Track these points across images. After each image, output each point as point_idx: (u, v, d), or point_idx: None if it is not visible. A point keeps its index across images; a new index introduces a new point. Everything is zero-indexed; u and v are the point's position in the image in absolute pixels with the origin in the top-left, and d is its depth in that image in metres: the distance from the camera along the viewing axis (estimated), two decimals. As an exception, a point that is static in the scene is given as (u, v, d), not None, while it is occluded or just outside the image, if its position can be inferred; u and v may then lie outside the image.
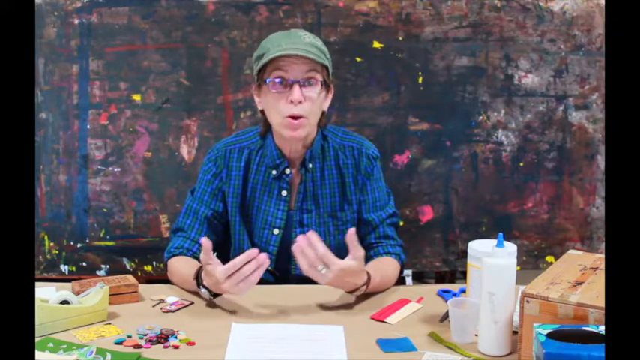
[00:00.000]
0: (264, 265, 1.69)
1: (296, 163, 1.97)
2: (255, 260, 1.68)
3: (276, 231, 1.97)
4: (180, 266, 1.91)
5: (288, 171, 1.95)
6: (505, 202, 2.40)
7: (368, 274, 1.79)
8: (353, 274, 1.74)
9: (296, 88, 1.82)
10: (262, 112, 1.93)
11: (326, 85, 1.89)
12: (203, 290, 1.76)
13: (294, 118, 1.84)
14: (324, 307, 1.78)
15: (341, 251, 1.74)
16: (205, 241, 1.70)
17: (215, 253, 2.08)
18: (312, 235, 1.71)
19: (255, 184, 1.97)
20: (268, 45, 1.86)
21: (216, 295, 1.77)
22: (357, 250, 1.73)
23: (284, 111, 1.84)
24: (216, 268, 1.69)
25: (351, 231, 1.73)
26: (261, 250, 1.94)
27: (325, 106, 1.92)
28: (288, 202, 1.97)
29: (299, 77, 1.83)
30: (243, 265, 1.68)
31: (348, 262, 1.72)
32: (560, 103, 2.37)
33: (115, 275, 1.86)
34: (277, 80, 1.84)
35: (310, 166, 1.96)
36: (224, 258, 1.78)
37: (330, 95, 1.94)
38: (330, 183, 1.98)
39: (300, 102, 1.82)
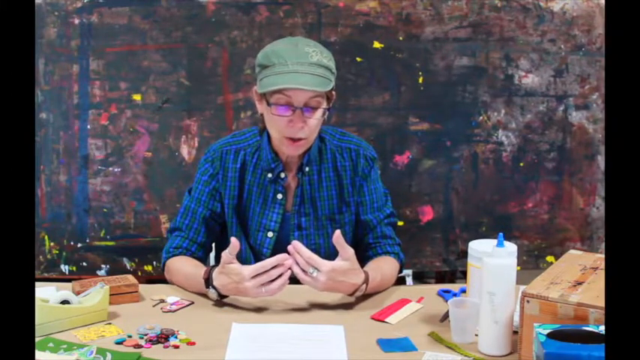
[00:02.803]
0: (289, 272, 1.71)
1: (293, 167, 1.96)
2: (282, 266, 1.70)
3: (270, 234, 1.96)
4: (182, 266, 1.91)
5: (283, 174, 1.95)
6: (505, 202, 2.40)
7: (367, 273, 1.79)
8: (345, 273, 1.74)
9: (299, 115, 1.80)
10: (262, 114, 1.92)
11: (329, 101, 1.87)
12: (211, 291, 1.77)
13: (294, 139, 1.84)
14: (324, 307, 1.78)
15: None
16: (235, 241, 1.72)
17: (212, 253, 2.10)
18: (297, 243, 1.73)
19: (251, 186, 1.97)
20: (273, 58, 1.81)
21: (223, 296, 1.77)
22: (345, 251, 1.74)
23: (285, 132, 1.83)
24: (243, 266, 1.71)
25: (337, 233, 1.74)
26: (256, 252, 1.95)
27: (325, 116, 1.91)
28: (284, 205, 1.96)
29: (302, 103, 1.80)
30: (271, 267, 1.70)
31: (338, 262, 1.73)
32: (560, 103, 2.37)
33: (115, 275, 1.87)
34: (280, 105, 1.81)
35: (307, 169, 1.95)
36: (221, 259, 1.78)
37: (332, 102, 1.91)
38: (328, 186, 1.97)
39: (301, 128, 1.82)
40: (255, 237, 1.97)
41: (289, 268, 1.71)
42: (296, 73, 1.78)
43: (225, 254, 1.73)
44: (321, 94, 1.82)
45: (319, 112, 1.84)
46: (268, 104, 1.83)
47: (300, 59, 1.79)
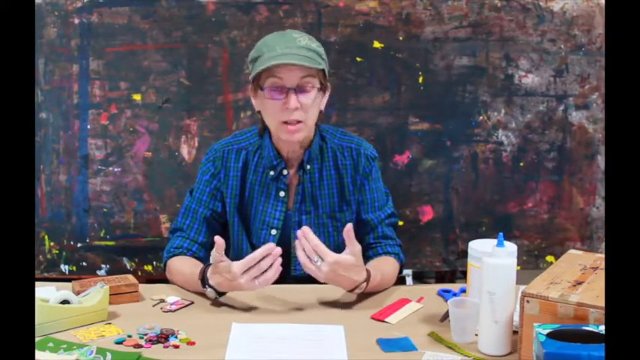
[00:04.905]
0: (279, 260, 1.70)
1: (294, 163, 1.96)
2: (271, 255, 1.70)
3: (273, 231, 1.96)
4: (182, 266, 1.91)
5: (285, 172, 1.95)
6: (505, 202, 2.40)
7: (368, 272, 1.79)
8: (349, 268, 1.74)
9: (292, 95, 1.82)
10: (259, 112, 1.93)
11: (322, 86, 1.89)
12: (209, 290, 1.77)
13: (290, 123, 1.84)
14: (324, 306, 1.78)
15: (340, 252, 1.74)
16: (219, 239, 1.72)
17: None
18: (306, 229, 1.73)
19: (253, 184, 1.97)
20: (263, 48, 1.85)
21: (221, 294, 1.78)
22: (353, 246, 1.74)
23: (280, 117, 1.84)
24: (232, 264, 1.71)
25: (348, 226, 1.74)
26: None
27: (322, 106, 1.92)
28: (286, 202, 1.97)
29: (295, 84, 1.82)
30: (261, 259, 1.69)
31: (343, 255, 1.73)
32: (560, 103, 2.37)
33: (115, 275, 1.87)
34: (273, 88, 1.83)
35: (308, 167, 1.96)
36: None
37: (327, 94, 1.93)
38: (329, 184, 1.98)
39: (296, 108, 1.83)
40: (258, 235, 1.97)
41: (281, 256, 1.70)
42: (285, 55, 1.81)
43: (213, 254, 1.73)
44: (312, 74, 1.84)
45: (312, 93, 1.85)
46: (262, 89, 1.84)
47: (289, 44, 1.83)
